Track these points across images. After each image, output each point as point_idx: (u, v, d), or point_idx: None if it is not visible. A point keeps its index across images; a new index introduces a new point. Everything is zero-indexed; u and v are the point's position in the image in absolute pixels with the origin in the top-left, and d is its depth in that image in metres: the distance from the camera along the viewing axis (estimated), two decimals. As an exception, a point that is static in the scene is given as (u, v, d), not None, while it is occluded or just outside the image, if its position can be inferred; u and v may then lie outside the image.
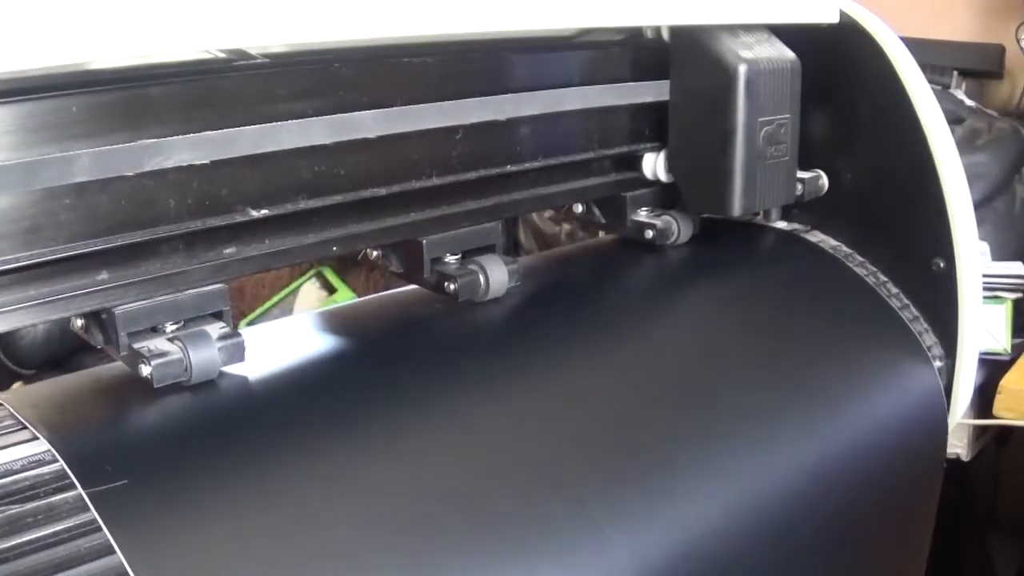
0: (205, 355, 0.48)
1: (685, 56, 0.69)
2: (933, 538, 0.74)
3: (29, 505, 0.40)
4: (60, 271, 0.46)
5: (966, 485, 1.44)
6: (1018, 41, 1.70)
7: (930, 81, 0.71)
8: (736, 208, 0.68)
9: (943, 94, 1.58)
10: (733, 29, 0.68)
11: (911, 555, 0.73)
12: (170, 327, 0.50)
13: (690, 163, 0.71)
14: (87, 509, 0.40)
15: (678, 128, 0.71)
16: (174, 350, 0.48)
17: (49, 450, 0.42)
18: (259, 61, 0.52)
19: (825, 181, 0.79)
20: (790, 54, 0.70)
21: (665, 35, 0.70)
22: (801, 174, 0.77)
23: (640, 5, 0.60)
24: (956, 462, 1.38)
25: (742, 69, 0.66)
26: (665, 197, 0.75)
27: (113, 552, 0.38)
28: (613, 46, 0.70)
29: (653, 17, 0.64)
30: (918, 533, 0.72)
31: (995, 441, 1.46)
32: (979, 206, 1.11)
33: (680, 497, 0.52)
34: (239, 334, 0.50)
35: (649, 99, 0.70)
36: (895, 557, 0.71)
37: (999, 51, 1.75)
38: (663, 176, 0.73)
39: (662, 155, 0.72)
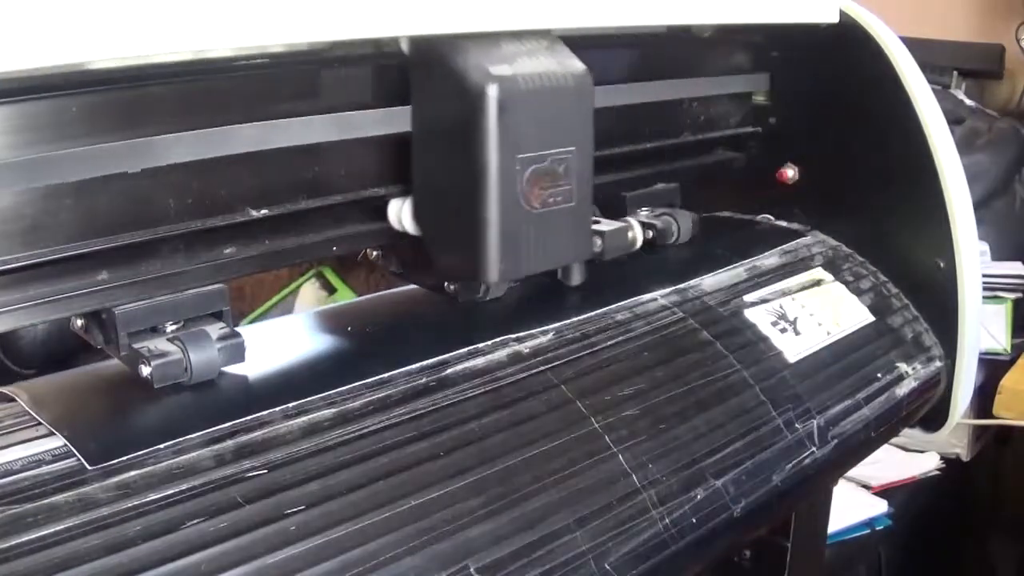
0: (205, 355, 0.48)
1: (425, 75, 0.53)
2: (933, 538, 0.74)
3: (49, 500, 0.40)
4: (60, 271, 0.46)
5: (966, 485, 1.44)
6: (1018, 41, 1.70)
7: (930, 81, 0.71)
8: (491, 274, 0.53)
9: (943, 94, 1.58)
10: (493, 38, 0.52)
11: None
12: (170, 327, 0.50)
13: (436, 214, 0.55)
14: (100, 504, 0.40)
15: (422, 169, 0.55)
16: (174, 350, 0.48)
17: (64, 445, 0.43)
18: (259, 61, 0.52)
19: (637, 234, 0.67)
20: (577, 67, 0.54)
21: (405, 48, 0.54)
22: (604, 224, 0.65)
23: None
24: (956, 462, 1.38)
25: (492, 90, 0.50)
26: (666, 197, 0.75)
27: (125, 548, 0.39)
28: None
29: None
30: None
31: (995, 441, 1.46)
32: (979, 206, 1.11)
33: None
34: (239, 334, 0.50)
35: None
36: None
37: (999, 51, 1.75)
38: (409, 227, 0.57)
39: (408, 202, 0.57)
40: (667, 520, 0.52)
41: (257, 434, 0.46)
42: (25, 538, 0.38)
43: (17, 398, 0.47)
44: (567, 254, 0.57)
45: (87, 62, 0.42)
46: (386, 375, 0.52)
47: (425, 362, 0.53)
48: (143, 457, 0.43)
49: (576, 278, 0.63)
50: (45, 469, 0.42)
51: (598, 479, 0.50)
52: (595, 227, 0.63)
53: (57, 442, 0.43)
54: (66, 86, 0.44)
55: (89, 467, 0.42)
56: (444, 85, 0.52)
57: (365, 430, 0.48)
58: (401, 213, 0.57)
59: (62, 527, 0.39)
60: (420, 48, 0.53)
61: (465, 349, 0.55)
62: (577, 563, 0.47)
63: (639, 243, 0.67)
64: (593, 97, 0.55)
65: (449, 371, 0.53)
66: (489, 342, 0.56)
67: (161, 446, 0.44)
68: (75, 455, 0.42)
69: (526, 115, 0.52)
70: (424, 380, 0.52)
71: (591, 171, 0.56)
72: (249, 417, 0.47)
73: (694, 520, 0.53)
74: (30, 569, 0.37)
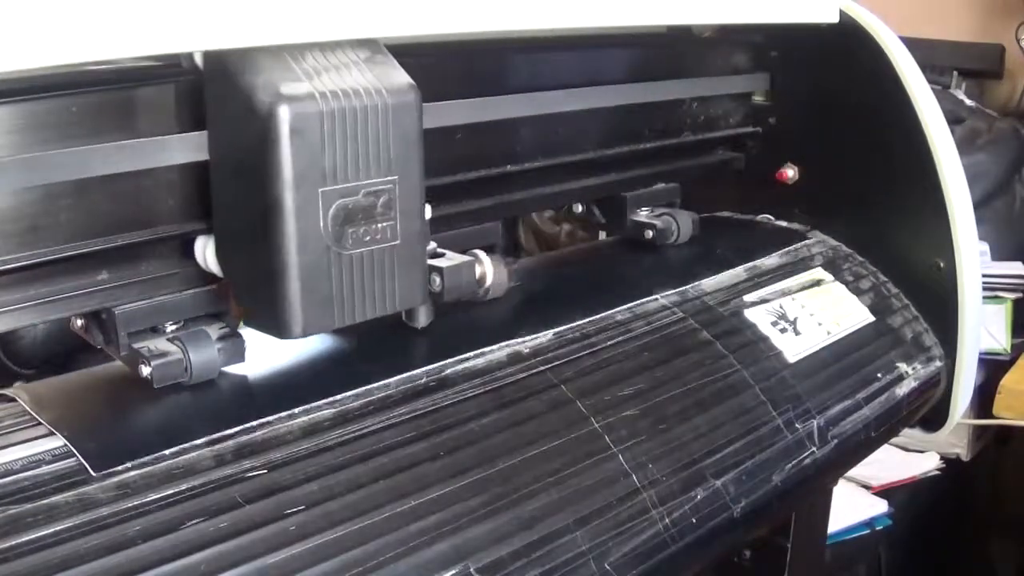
0: (205, 355, 0.48)
1: (218, 96, 0.46)
2: (934, 538, 0.74)
3: (44, 500, 0.40)
4: (60, 271, 0.46)
5: (966, 485, 1.44)
6: (1018, 41, 1.70)
7: (930, 81, 0.71)
8: (294, 328, 0.46)
9: (943, 94, 1.58)
10: (296, 50, 0.45)
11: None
12: (170, 327, 0.50)
13: (237, 255, 0.48)
14: (102, 503, 0.40)
15: (221, 203, 0.48)
16: (174, 350, 0.48)
17: (64, 445, 0.43)
18: (181, 68, 0.51)
19: (488, 269, 0.59)
20: (400, 82, 0.47)
21: (199, 63, 0.46)
22: (446, 259, 0.56)
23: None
24: (956, 462, 1.38)
25: (282, 112, 0.43)
26: (666, 197, 0.75)
27: (127, 547, 0.39)
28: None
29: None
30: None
31: (995, 441, 1.46)
32: (979, 206, 1.11)
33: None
34: (239, 334, 0.50)
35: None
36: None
37: (999, 51, 1.75)
38: (215, 269, 0.49)
39: (212, 240, 0.49)
40: (667, 520, 0.52)
41: (257, 435, 0.46)
42: (25, 538, 0.38)
43: (17, 399, 0.47)
44: (393, 300, 0.49)
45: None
46: (388, 379, 0.51)
47: (426, 366, 0.53)
48: (142, 457, 0.43)
49: (422, 320, 0.56)
50: (45, 469, 0.42)
51: (598, 479, 0.50)
52: (434, 262, 0.56)
53: (57, 442, 0.43)
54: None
55: (88, 467, 0.42)
56: (235, 107, 0.44)
57: (364, 430, 0.48)
58: (206, 252, 0.49)
59: (62, 527, 0.39)
60: (213, 65, 0.45)
61: (471, 352, 0.54)
62: (577, 563, 0.47)
63: (489, 279, 0.59)
64: (420, 117, 0.48)
65: (448, 372, 0.53)
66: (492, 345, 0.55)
67: (165, 452, 0.44)
68: (75, 455, 0.42)
69: (329, 140, 0.45)
70: (424, 381, 0.52)
71: (422, 203, 0.49)
72: (250, 419, 0.47)
73: (694, 520, 0.53)
74: (30, 569, 0.37)
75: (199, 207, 0.49)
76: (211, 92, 0.46)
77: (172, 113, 0.48)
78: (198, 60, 0.46)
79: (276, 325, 0.46)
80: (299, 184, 0.44)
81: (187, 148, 0.47)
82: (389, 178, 0.47)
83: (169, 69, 0.48)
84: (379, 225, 0.47)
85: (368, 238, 0.47)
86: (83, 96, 0.45)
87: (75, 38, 0.38)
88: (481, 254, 0.59)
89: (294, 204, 0.44)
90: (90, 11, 0.38)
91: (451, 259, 0.56)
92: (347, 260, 0.46)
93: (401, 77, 0.47)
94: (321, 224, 0.45)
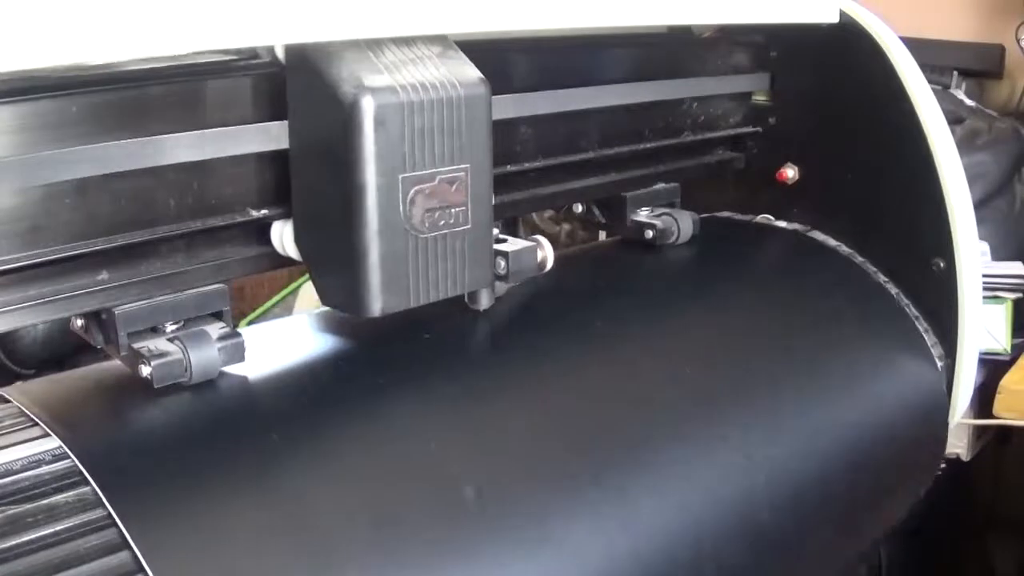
0: (205, 355, 0.48)
1: (300, 87, 0.49)
2: (932, 538, 0.74)
3: (43, 501, 0.40)
4: (60, 271, 0.46)
5: (966, 485, 1.44)
6: (1018, 41, 1.70)
7: (930, 81, 0.71)
8: (374, 306, 0.49)
9: (943, 94, 1.58)
10: (376, 44, 0.48)
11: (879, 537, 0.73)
12: (170, 327, 0.50)
13: (317, 238, 0.51)
14: (100, 505, 0.40)
15: (301, 189, 0.51)
16: (174, 350, 0.48)
17: (60, 446, 0.43)
18: (260, 61, 0.52)
19: (547, 254, 0.61)
20: (471, 76, 0.50)
21: (281, 57, 0.50)
22: (508, 245, 0.59)
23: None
24: (956, 462, 1.38)
25: (366, 103, 0.46)
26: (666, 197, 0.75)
27: (127, 547, 0.38)
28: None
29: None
30: (892, 520, 0.72)
31: (995, 441, 1.46)
32: (979, 206, 1.10)
33: (682, 490, 0.53)
34: (239, 334, 0.50)
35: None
36: (873, 542, 0.70)
37: (999, 51, 1.75)
38: (292, 252, 0.52)
39: (290, 225, 0.52)
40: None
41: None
42: (25, 538, 0.38)
43: (15, 400, 0.47)
44: (463, 281, 0.52)
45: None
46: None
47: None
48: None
49: (484, 302, 0.58)
50: (45, 469, 0.42)
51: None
52: (499, 247, 0.58)
53: (54, 443, 0.43)
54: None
55: (83, 468, 0.41)
56: (319, 98, 0.47)
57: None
58: (283, 237, 0.52)
59: (61, 527, 0.39)
60: (295, 58, 0.48)
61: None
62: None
63: (549, 263, 0.61)
64: (490, 109, 0.51)
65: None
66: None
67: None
68: (69, 456, 0.42)
69: (408, 130, 0.48)
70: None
71: (490, 190, 0.52)
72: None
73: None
74: (30, 569, 0.37)
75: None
76: (293, 84, 0.49)
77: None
78: (279, 53, 0.49)
79: (356, 304, 0.49)
80: (381, 170, 0.47)
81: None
82: (462, 166, 0.50)
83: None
84: (452, 210, 0.50)
85: (442, 222, 0.50)
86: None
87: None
88: (541, 239, 0.61)
89: (376, 189, 0.47)
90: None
91: (514, 243, 0.59)
92: (423, 243, 0.50)
93: (472, 72, 0.50)
94: (400, 209, 0.48)
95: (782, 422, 0.60)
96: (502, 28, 0.52)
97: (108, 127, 0.45)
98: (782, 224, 0.81)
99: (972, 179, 0.73)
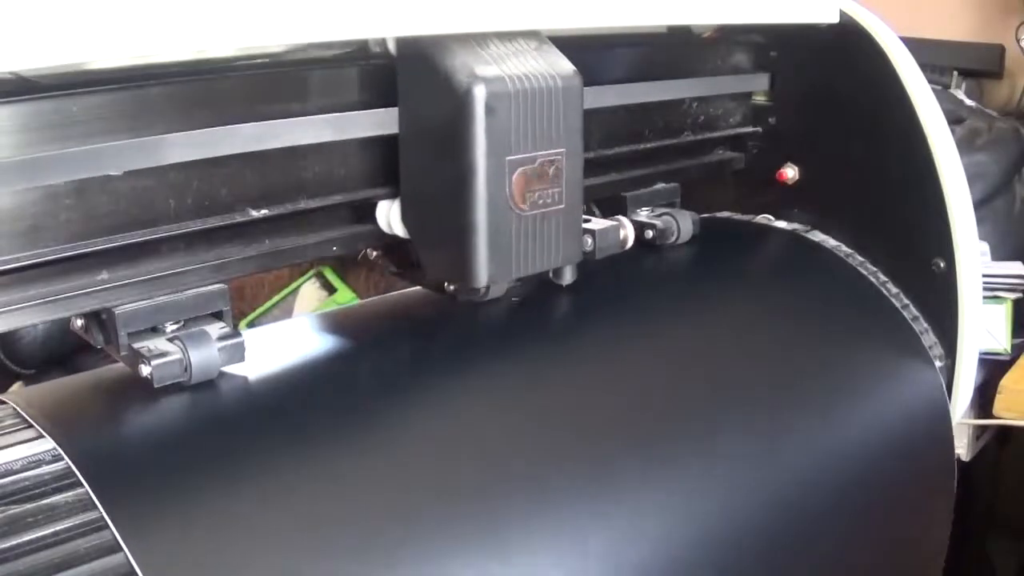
0: (205, 355, 0.48)
1: (412, 76, 0.53)
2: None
3: (35, 503, 0.40)
4: (60, 271, 0.46)
5: (966, 485, 1.44)
6: (1018, 41, 1.70)
7: (930, 81, 0.71)
8: (480, 276, 0.53)
9: (943, 94, 1.58)
10: (481, 38, 0.53)
11: (924, 554, 0.72)
12: (170, 327, 0.50)
13: (425, 216, 0.55)
14: (93, 507, 0.40)
15: (410, 170, 0.55)
16: (174, 350, 0.48)
17: (54, 448, 0.43)
18: (260, 60, 0.52)
19: (628, 232, 0.66)
20: (566, 68, 0.55)
21: (392, 48, 0.55)
22: (593, 224, 0.64)
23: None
24: (956, 462, 1.38)
25: (478, 91, 0.50)
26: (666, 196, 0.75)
27: (120, 550, 0.38)
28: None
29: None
30: (931, 532, 0.72)
31: (995, 441, 1.46)
32: (979, 206, 1.10)
33: (680, 494, 0.52)
34: (239, 334, 0.50)
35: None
36: (906, 556, 0.71)
37: (999, 51, 1.75)
38: (398, 230, 0.57)
39: (396, 204, 0.57)
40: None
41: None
42: (17, 541, 0.38)
43: (11, 402, 0.47)
44: (557, 256, 0.57)
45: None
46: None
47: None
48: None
49: (567, 278, 0.62)
50: (39, 471, 0.42)
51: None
52: (586, 226, 0.63)
53: (48, 444, 0.43)
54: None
55: (78, 470, 0.41)
56: (431, 86, 0.52)
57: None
58: (390, 215, 0.57)
59: (54, 530, 0.39)
60: (407, 49, 0.53)
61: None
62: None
63: (630, 242, 0.67)
64: (583, 98, 0.55)
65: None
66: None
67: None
68: (64, 458, 0.42)
69: (514, 116, 0.52)
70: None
71: (581, 172, 0.56)
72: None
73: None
74: (21, 571, 0.37)
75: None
76: (404, 73, 0.54)
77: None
78: (391, 46, 0.54)
79: (464, 275, 0.54)
80: (490, 153, 0.51)
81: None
82: (558, 150, 0.55)
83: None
84: (550, 191, 0.55)
85: (541, 202, 0.54)
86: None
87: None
88: (622, 218, 0.67)
89: (486, 171, 0.52)
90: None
91: (599, 223, 0.65)
92: (524, 220, 0.54)
93: (567, 64, 0.55)
94: (506, 188, 0.53)
95: (782, 422, 0.60)
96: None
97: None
98: (782, 224, 0.80)
99: (972, 179, 0.73)
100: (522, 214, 0.54)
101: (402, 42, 0.53)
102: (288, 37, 0.45)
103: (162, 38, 0.40)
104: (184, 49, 0.41)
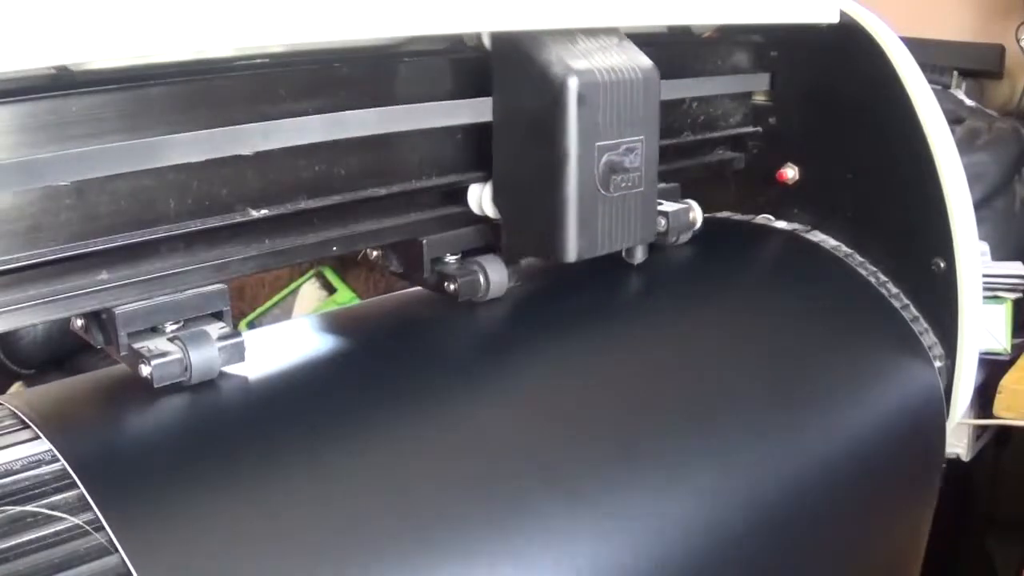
0: (205, 355, 0.48)
1: (507, 68, 0.58)
2: (932, 538, 0.74)
3: (31, 505, 0.40)
4: (60, 271, 0.46)
5: (966, 485, 1.44)
6: (1018, 41, 1.70)
7: (930, 81, 0.71)
8: (570, 253, 0.57)
9: (943, 94, 1.58)
10: (569, 34, 0.57)
11: (906, 553, 0.73)
12: (170, 327, 0.50)
13: (517, 198, 0.60)
14: (89, 509, 0.40)
15: (502, 156, 0.59)
16: (174, 350, 0.48)
17: (51, 449, 0.42)
18: (259, 61, 0.52)
19: (697, 214, 0.70)
20: (645, 62, 0.59)
21: (487, 43, 0.59)
22: (666, 206, 0.69)
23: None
24: (956, 462, 1.38)
25: (572, 82, 0.55)
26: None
27: (115, 551, 0.38)
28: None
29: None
30: (914, 531, 0.72)
31: (995, 441, 1.46)
32: (979, 206, 1.10)
33: (678, 493, 0.52)
34: (239, 334, 0.50)
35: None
36: (889, 554, 0.71)
37: (999, 51, 1.75)
38: (489, 211, 0.61)
39: (488, 187, 0.61)
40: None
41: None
42: (9, 543, 0.38)
43: (8, 403, 0.46)
44: (636, 235, 0.61)
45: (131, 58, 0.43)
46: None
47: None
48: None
49: (639, 257, 0.67)
50: (34, 472, 0.41)
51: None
52: (659, 208, 0.67)
53: (44, 446, 0.43)
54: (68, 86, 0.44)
55: (73, 471, 0.41)
56: (526, 78, 0.56)
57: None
58: (481, 197, 0.61)
59: (48, 531, 0.39)
60: (502, 43, 0.57)
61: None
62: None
63: (699, 223, 0.70)
64: (660, 90, 0.60)
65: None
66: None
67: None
68: (60, 459, 0.42)
69: (602, 106, 0.56)
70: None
71: (656, 158, 0.61)
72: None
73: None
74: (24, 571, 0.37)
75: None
76: (499, 66, 0.58)
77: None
78: (486, 40, 0.58)
79: (554, 251, 0.58)
80: (582, 140, 0.56)
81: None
82: (639, 137, 0.59)
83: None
84: (631, 174, 0.59)
85: (623, 184, 0.59)
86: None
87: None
88: (691, 201, 0.71)
89: (577, 155, 0.56)
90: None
91: (670, 205, 0.70)
92: (609, 201, 0.58)
93: (645, 59, 0.59)
94: (595, 172, 0.57)
95: (781, 422, 0.60)
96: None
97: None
98: (782, 224, 0.80)
99: (972, 179, 0.73)
100: (607, 196, 0.58)
101: (497, 37, 0.57)
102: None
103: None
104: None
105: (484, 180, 0.61)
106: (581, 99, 0.55)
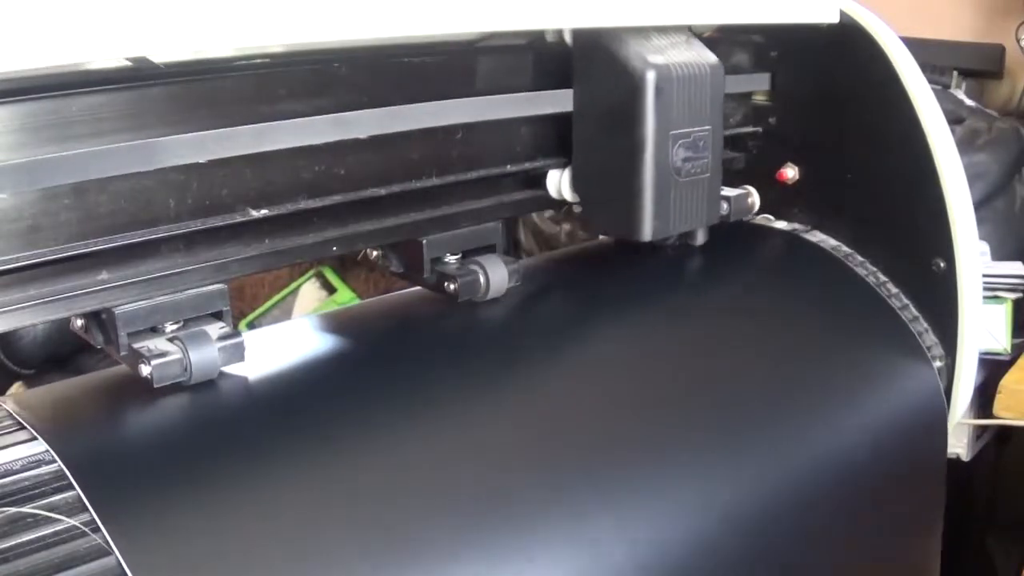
0: (205, 355, 0.48)
1: (587, 62, 0.62)
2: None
3: (27, 506, 0.40)
4: (60, 271, 0.46)
5: (966, 485, 1.44)
6: (1018, 41, 1.70)
7: (930, 81, 0.71)
8: (646, 232, 0.62)
9: (943, 94, 1.57)
10: (643, 31, 0.62)
11: (919, 556, 0.72)
12: (170, 327, 0.50)
13: (595, 182, 0.65)
14: (85, 509, 0.40)
15: (582, 143, 0.64)
16: (174, 350, 0.48)
17: (47, 450, 0.42)
18: (259, 61, 0.52)
19: (755, 199, 0.74)
20: (711, 58, 0.64)
21: (568, 39, 0.64)
22: (727, 191, 0.73)
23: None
24: (956, 462, 1.38)
25: (650, 75, 0.59)
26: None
27: (111, 552, 0.38)
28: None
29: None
30: (924, 533, 0.72)
31: (995, 441, 1.46)
32: (979, 206, 1.10)
33: (678, 496, 0.52)
34: (239, 334, 0.50)
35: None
36: (901, 558, 0.71)
37: (999, 51, 1.75)
38: (568, 195, 0.66)
39: (567, 172, 0.66)
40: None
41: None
42: (15, 541, 0.38)
43: (4, 404, 0.46)
44: (703, 217, 0.66)
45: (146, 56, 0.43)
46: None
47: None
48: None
49: (700, 239, 0.71)
50: (30, 473, 0.41)
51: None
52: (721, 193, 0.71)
53: (41, 447, 0.43)
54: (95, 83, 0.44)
55: (69, 472, 0.41)
56: (607, 71, 0.60)
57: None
58: (560, 182, 0.66)
59: (42, 533, 0.38)
60: (583, 39, 0.62)
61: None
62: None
63: (757, 207, 0.74)
64: (724, 84, 0.64)
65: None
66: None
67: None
68: (56, 460, 0.42)
69: (676, 97, 0.61)
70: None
71: (721, 147, 0.66)
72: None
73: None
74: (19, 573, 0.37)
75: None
76: (580, 60, 0.62)
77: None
78: (567, 36, 0.63)
79: (632, 231, 0.63)
80: (658, 128, 0.60)
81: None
82: (706, 127, 0.63)
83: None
84: (700, 161, 0.64)
85: (693, 170, 0.63)
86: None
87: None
88: (750, 188, 0.74)
89: (655, 143, 0.61)
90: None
91: (731, 191, 0.73)
92: (681, 185, 0.63)
93: (712, 55, 0.64)
94: (669, 158, 0.62)
95: (780, 421, 0.60)
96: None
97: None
98: (782, 224, 0.80)
99: (972, 179, 0.73)
100: (679, 180, 0.62)
101: (579, 33, 0.62)
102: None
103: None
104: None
105: (563, 166, 0.66)
106: (658, 91, 0.59)
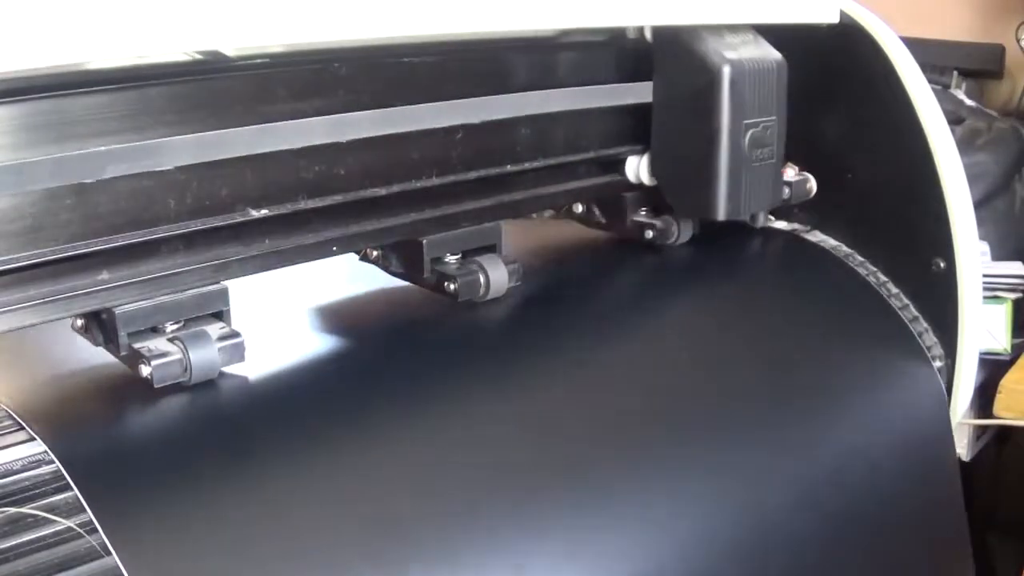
0: (205, 355, 0.48)
1: (668, 57, 0.68)
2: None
3: (26, 507, 0.40)
4: (60, 271, 0.46)
5: (966, 485, 1.44)
6: (1018, 41, 1.70)
7: (930, 81, 0.71)
8: (721, 211, 0.67)
9: (943, 94, 1.57)
10: (718, 29, 0.67)
11: (946, 554, 0.72)
12: (170, 327, 0.50)
13: (673, 166, 0.70)
14: (84, 510, 0.40)
15: (661, 131, 0.70)
16: (174, 350, 0.48)
17: (47, 451, 0.42)
18: (259, 61, 0.52)
19: (813, 184, 0.77)
20: (775, 54, 0.69)
21: (648, 35, 0.69)
22: (787, 176, 0.76)
23: (623, 5, 0.59)
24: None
25: (726, 70, 0.65)
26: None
27: (108, 553, 0.38)
28: (597, 47, 0.69)
29: (637, 17, 0.63)
30: (947, 532, 0.71)
31: (995, 441, 1.46)
32: (979, 206, 1.10)
33: (678, 498, 0.52)
34: (239, 334, 0.50)
35: (631, 101, 0.69)
36: (925, 556, 0.70)
37: (999, 51, 1.75)
38: (646, 179, 0.71)
39: (645, 158, 0.71)
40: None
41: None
42: (12, 543, 0.38)
43: (4, 404, 0.46)
44: (768, 199, 0.71)
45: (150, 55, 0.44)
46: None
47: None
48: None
49: (761, 221, 0.77)
50: (28, 474, 0.41)
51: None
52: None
53: (39, 447, 0.43)
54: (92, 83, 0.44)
55: (67, 473, 0.41)
56: (686, 65, 0.66)
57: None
58: (639, 168, 0.71)
59: (40, 534, 0.38)
60: (663, 36, 0.67)
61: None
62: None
63: (814, 191, 0.77)
64: (787, 79, 0.69)
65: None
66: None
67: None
68: (55, 461, 0.42)
69: (748, 90, 0.66)
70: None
71: (784, 136, 0.70)
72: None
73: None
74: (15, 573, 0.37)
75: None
76: (660, 54, 0.68)
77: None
78: (647, 33, 0.69)
79: (707, 210, 0.68)
80: (733, 118, 0.66)
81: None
82: (772, 117, 0.68)
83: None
84: (767, 148, 0.68)
85: (761, 156, 0.68)
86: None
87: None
88: (807, 174, 0.77)
89: (729, 131, 0.66)
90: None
91: (792, 176, 0.76)
92: (752, 170, 0.68)
93: (775, 52, 0.69)
94: (742, 145, 0.67)
95: (781, 422, 0.60)
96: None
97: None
98: (782, 224, 0.80)
99: (972, 179, 0.73)
100: (749, 165, 0.67)
101: (659, 31, 0.67)
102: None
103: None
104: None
105: (640, 153, 0.71)
106: (733, 83, 0.65)
